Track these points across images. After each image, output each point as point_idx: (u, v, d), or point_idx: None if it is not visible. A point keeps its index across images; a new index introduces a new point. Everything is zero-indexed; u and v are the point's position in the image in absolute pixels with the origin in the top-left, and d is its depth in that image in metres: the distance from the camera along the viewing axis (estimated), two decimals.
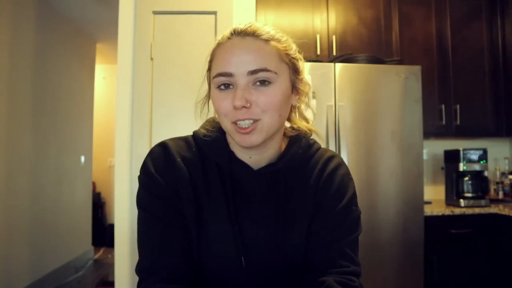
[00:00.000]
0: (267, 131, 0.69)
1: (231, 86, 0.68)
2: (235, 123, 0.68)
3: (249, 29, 0.69)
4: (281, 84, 0.69)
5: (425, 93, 2.24)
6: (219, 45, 0.71)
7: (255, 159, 0.75)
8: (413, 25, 2.61)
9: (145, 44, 2.19)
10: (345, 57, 2.27)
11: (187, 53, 2.17)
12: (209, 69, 0.74)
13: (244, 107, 0.66)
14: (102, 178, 5.23)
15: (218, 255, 0.72)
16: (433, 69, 2.59)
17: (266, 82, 0.68)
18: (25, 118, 3.10)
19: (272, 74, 0.67)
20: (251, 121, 0.68)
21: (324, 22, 2.52)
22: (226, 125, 0.70)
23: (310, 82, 0.81)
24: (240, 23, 0.71)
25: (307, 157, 0.79)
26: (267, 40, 0.69)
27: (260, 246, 0.73)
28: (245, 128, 0.68)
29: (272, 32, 0.70)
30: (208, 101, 0.78)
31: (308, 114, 0.83)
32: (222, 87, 0.69)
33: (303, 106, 0.79)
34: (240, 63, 0.67)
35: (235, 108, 0.67)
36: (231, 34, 0.70)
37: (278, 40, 0.70)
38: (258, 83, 0.67)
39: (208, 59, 0.74)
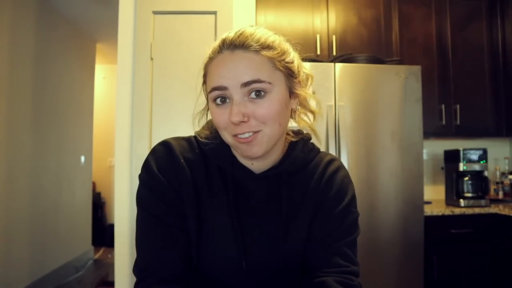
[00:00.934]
0: (268, 142, 0.69)
1: (227, 100, 0.68)
2: (235, 136, 0.68)
3: (238, 40, 0.67)
4: (277, 93, 0.68)
5: (425, 93, 2.24)
6: (210, 59, 0.70)
7: (257, 164, 0.76)
8: (413, 25, 2.61)
9: (145, 44, 2.19)
10: (345, 57, 2.27)
11: (187, 53, 2.17)
12: (205, 83, 0.74)
13: (242, 121, 0.66)
14: (102, 178, 5.23)
15: (219, 256, 0.72)
16: (433, 69, 2.59)
17: (262, 93, 0.67)
18: (25, 118, 3.10)
19: (266, 84, 0.66)
20: (251, 133, 0.67)
21: (324, 22, 2.52)
22: (227, 138, 0.70)
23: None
24: (230, 31, 0.69)
25: (307, 160, 0.79)
26: (257, 51, 0.67)
27: (261, 248, 0.73)
28: (246, 139, 0.67)
29: (263, 40, 0.68)
30: (207, 112, 0.77)
31: (311, 103, 0.82)
32: (219, 101, 0.68)
33: (308, 98, 0.78)
34: (233, 76, 0.66)
35: (233, 123, 0.66)
36: (221, 47, 0.68)
37: (270, 47, 0.68)
38: (253, 95, 0.67)
39: (202, 73, 0.73)
